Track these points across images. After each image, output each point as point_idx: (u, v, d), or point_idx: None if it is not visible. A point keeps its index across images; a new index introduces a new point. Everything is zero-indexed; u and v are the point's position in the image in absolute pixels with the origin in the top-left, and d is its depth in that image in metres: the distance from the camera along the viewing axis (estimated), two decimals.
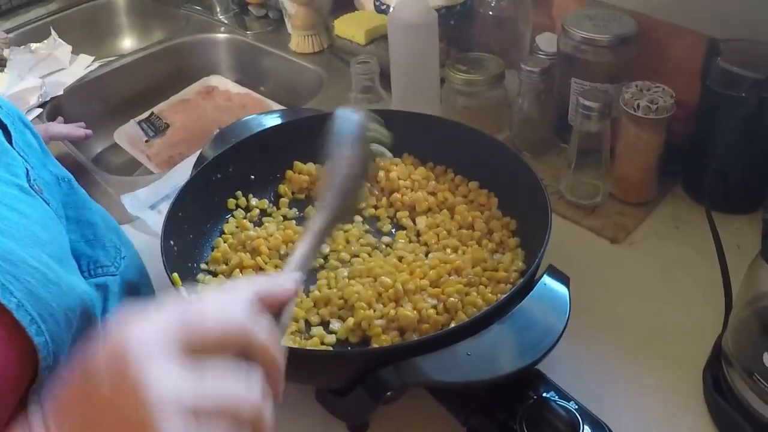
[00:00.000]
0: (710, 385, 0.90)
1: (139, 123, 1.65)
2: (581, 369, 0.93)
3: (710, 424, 0.89)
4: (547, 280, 0.84)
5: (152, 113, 1.68)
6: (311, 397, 0.90)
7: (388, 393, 0.75)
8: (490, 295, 0.94)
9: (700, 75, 1.12)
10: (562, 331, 0.79)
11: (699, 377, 0.93)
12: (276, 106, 1.63)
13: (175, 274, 0.92)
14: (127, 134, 1.63)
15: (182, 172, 1.30)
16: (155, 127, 1.64)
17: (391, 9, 1.33)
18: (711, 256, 1.06)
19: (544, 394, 0.80)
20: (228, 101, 1.71)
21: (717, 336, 0.94)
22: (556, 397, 0.80)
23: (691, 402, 0.91)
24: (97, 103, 1.75)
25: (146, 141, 1.62)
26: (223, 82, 1.77)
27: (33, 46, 1.79)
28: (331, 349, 0.91)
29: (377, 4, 1.51)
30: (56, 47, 1.78)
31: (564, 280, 0.85)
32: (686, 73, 1.18)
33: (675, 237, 1.14)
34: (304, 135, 1.15)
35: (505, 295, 0.85)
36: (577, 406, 0.79)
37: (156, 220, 1.23)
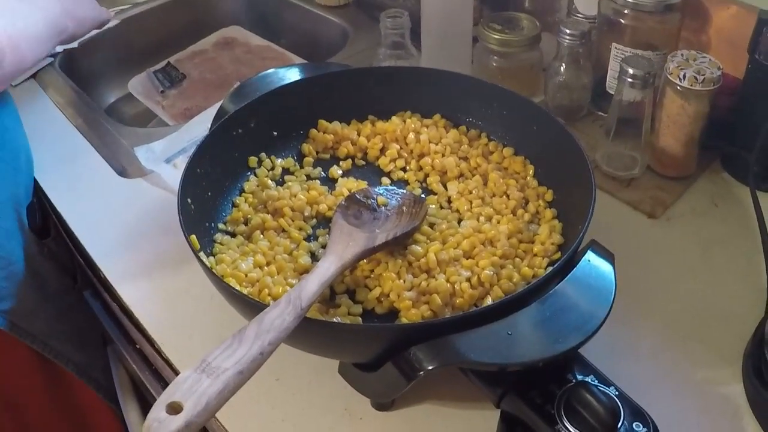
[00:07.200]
0: (751, 374, 0.85)
1: (154, 73, 1.61)
2: (614, 350, 0.89)
3: (749, 413, 0.85)
4: (590, 256, 0.79)
5: (168, 63, 1.64)
6: (333, 371, 0.86)
7: (421, 373, 0.70)
8: (526, 269, 0.89)
9: (749, 48, 1.07)
10: (608, 312, 0.74)
11: (738, 364, 0.89)
12: (298, 60, 1.59)
13: (193, 237, 0.88)
14: (142, 84, 1.59)
15: (200, 126, 1.26)
16: (171, 78, 1.59)
17: None
18: (752, 236, 1.03)
19: (584, 378, 0.75)
20: (248, 53, 1.66)
21: (758, 321, 0.90)
22: (596, 381, 0.75)
23: (729, 390, 0.87)
24: (111, 52, 1.69)
25: (161, 92, 1.57)
26: (243, 34, 1.72)
27: None
28: (360, 321, 0.86)
29: None
30: None
31: (609, 257, 0.80)
32: (731, 45, 1.14)
33: (714, 214, 1.09)
34: (329, 91, 1.11)
35: (547, 272, 0.81)
36: (617, 392, 0.74)
37: (171, 174, 1.19)
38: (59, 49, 1.52)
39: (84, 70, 1.62)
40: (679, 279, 1.00)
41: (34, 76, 1.50)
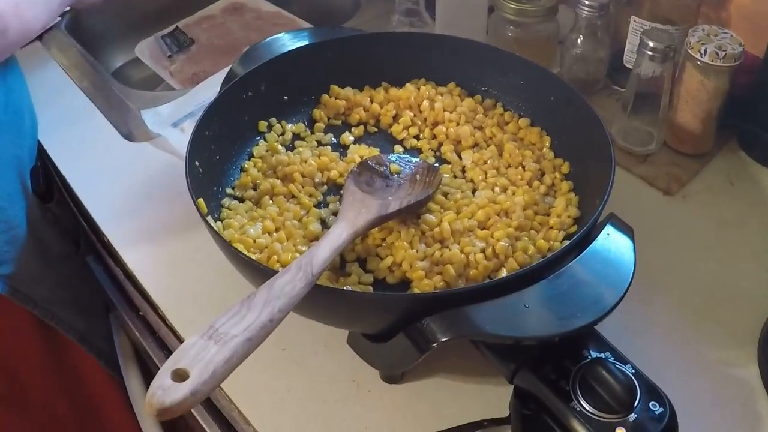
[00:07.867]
0: (767, 357, 0.84)
1: (162, 38, 1.58)
2: (628, 327, 0.87)
3: (763, 395, 0.83)
4: (610, 230, 0.77)
5: (176, 28, 1.61)
6: (341, 341, 0.85)
7: (435, 345, 0.68)
8: (542, 241, 0.87)
9: None
10: (627, 288, 0.72)
11: (753, 345, 0.87)
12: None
13: (201, 200, 0.86)
14: (150, 49, 1.56)
15: (208, 89, 1.23)
16: (179, 43, 1.56)
17: None
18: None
19: (600, 355, 0.73)
20: (258, 19, 1.63)
21: None
22: (612, 358, 0.73)
23: (744, 372, 0.85)
24: (118, 15, 1.66)
25: (169, 56, 1.54)
26: None
27: None
28: (371, 290, 0.84)
29: None
30: None
31: (628, 232, 0.78)
32: (751, 22, 1.11)
33: (730, 193, 1.08)
34: (342, 56, 1.09)
35: (564, 245, 0.78)
36: (633, 370, 0.72)
37: (178, 139, 1.17)
38: None
39: (91, 34, 1.59)
40: (694, 257, 0.99)
41: (39, 37, 1.48)
